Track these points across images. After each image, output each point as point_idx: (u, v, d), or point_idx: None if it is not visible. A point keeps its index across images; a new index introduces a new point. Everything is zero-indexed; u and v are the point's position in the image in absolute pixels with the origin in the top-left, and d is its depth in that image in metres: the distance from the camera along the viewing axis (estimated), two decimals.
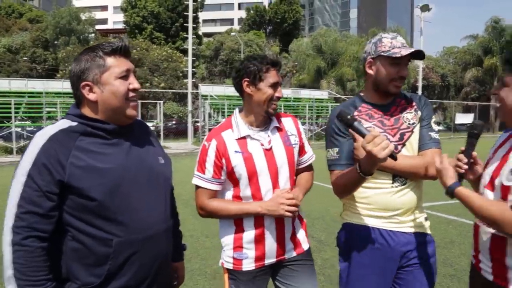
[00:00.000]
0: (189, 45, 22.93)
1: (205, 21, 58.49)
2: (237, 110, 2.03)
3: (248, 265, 1.95)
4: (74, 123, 1.48)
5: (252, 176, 1.90)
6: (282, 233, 1.96)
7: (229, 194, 1.97)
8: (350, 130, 1.66)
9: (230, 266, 1.98)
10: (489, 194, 1.60)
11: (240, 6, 66.74)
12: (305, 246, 2.06)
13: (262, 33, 48.29)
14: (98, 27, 45.48)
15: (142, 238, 1.48)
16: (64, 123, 1.48)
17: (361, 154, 1.67)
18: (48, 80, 26.30)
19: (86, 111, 1.50)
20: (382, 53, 1.86)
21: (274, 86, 1.91)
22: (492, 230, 1.58)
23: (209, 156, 1.92)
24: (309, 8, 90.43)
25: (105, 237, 1.43)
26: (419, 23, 29.12)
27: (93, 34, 42.39)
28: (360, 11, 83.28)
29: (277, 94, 1.92)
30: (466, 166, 1.66)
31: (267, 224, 1.92)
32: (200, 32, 46.88)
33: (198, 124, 23.69)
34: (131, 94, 1.51)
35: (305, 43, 40.69)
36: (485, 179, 1.65)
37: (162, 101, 24.05)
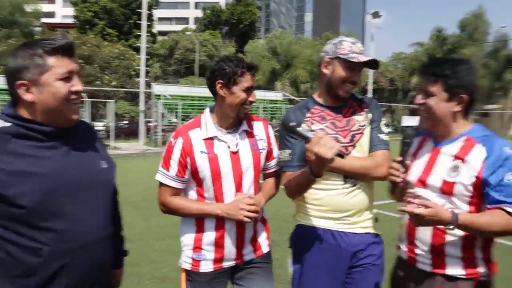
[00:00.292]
0: (143, 42, 22.41)
1: (160, 19, 57.21)
2: (208, 109, 1.98)
3: (206, 266, 1.92)
4: (8, 124, 1.36)
5: (216, 177, 1.87)
6: (242, 237, 1.94)
7: (193, 193, 1.94)
8: (295, 136, 1.73)
9: (188, 267, 1.95)
10: (422, 191, 1.70)
11: (196, 5, 65.95)
12: (265, 249, 2.05)
13: (218, 33, 47.94)
14: (45, 20, 43.09)
15: (77, 247, 1.39)
16: None
17: (312, 156, 1.69)
18: None
19: (23, 112, 1.39)
20: (340, 55, 1.88)
21: (248, 90, 1.86)
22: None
23: (174, 154, 1.88)
24: (266, 10, 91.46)
25: (34, 246, 1.32)
26: (370, 28, 30.32)
27: (39, 28, 40.14)
28: (315, 15, 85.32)
29: (250, 99, 1.88)
30: (403, 175, 1.74)
31: (228, 228, 1.90)
32: (154, 30, 45.80)
33: (151, 124, 23.21)
34: (73, 96, 1.40)
35: (260, 45, 41.08)
36: (412, 179, 1.75)
37: (113, 100, 23.38)
